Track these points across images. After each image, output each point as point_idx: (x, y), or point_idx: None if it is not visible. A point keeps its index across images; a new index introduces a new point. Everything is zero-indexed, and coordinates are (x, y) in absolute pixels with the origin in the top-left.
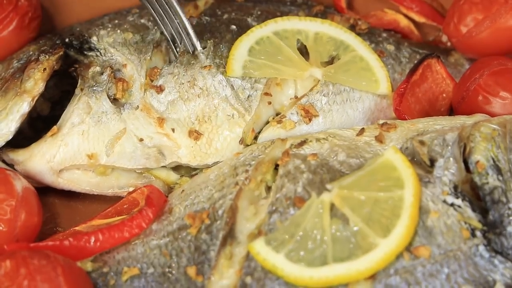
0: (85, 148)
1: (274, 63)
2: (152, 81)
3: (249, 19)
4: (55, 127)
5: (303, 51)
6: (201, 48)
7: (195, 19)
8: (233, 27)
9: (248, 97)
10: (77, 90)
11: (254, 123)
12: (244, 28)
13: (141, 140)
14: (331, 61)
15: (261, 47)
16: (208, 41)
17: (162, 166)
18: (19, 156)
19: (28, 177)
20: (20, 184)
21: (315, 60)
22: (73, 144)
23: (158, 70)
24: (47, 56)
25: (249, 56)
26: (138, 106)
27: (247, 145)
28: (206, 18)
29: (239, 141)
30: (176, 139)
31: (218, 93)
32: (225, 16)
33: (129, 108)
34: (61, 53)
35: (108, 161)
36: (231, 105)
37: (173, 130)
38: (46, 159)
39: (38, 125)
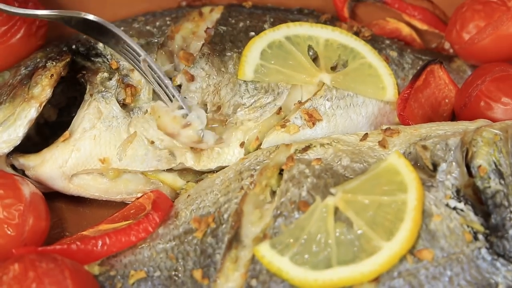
0: (97, 153)
1: (285, 68)
2: None
3: (265, 26)
4: (67, 132)
5: (313, 57)
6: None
7: (212, 29)
8: (252, 33)
9: (264, 106)
10: (87, 96)
11: (260, 132)
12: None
13: (152, 142)
14: (337, 67)
15: (273, 51)
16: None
17: (169, 171)
18: (30, 161)
19: (39, 182)
20: (28, 189)
21: (324, 66)
22: (85, 149)
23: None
24: (54, 63)
25: (261, 60)
26: (147, 110)
27: (249, 152)
28: (223, 28)
29: (240, 144)
30: None
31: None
32: (241, 24)
33: (138, 112)
34: (68, 59)
35: (121, 165)
36: (245, 113)
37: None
38: (58, 164)
39: (44, 131)
